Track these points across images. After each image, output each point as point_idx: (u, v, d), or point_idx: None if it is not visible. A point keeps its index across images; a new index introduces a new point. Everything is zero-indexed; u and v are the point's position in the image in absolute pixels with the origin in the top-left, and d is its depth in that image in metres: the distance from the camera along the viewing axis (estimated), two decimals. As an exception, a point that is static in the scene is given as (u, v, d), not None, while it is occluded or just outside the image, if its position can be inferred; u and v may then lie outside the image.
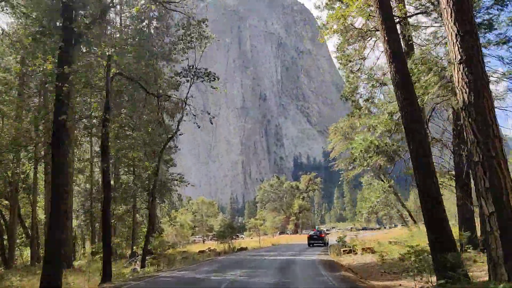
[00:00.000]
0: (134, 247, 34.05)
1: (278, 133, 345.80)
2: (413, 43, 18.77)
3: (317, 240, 41.53)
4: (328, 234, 50.19)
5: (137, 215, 37.39)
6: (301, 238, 57.46)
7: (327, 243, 41.16)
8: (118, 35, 20.99)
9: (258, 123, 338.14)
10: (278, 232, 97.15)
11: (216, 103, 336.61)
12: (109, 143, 20.10)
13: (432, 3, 16.61)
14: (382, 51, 14.05)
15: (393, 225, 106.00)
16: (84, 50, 17.91)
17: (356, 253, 24.93)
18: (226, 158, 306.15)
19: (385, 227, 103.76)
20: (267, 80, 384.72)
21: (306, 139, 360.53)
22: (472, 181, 14.61)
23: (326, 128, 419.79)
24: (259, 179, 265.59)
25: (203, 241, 71.77)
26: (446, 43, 14.74)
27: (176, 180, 33.44)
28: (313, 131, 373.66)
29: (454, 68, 7.87)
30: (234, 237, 46.66)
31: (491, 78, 14.42)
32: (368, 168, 33.10)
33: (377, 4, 10.80)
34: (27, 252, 33.47)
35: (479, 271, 11.99)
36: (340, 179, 49.81)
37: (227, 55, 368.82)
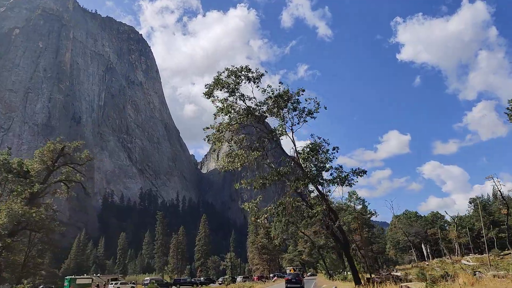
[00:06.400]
0: None
1: (89, 165, 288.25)
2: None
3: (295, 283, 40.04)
4: None
5: None
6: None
7: None
8: None
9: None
10: None
11: (8, 114, 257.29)
12: None
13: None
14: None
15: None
16: None
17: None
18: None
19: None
20: (86, 103, 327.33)
21: (123, 176, 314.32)
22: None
23: (147, 167, 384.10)
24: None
25: None
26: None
27: None
28: (133, 168, 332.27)
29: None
30: None
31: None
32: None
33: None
34: None
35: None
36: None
37: (37, 62, 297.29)
